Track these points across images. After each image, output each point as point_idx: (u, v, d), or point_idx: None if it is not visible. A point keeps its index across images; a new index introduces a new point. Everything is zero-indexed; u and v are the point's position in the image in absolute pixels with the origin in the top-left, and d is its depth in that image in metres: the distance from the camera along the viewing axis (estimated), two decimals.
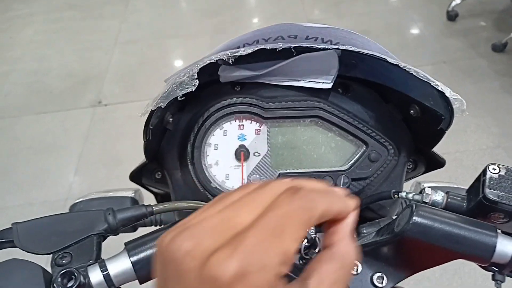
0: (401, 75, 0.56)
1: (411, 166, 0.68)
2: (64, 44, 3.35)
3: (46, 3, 3.92)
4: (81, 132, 2.51)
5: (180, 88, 0.49)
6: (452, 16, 3.03)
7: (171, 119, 0.60)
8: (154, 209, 0.49)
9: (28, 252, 0.44)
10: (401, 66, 0.53)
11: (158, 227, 0.78)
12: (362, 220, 0.68)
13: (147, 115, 0.51)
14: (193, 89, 0.49)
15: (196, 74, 0.50)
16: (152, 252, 0.43)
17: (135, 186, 0.72)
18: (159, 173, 0.66)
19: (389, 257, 0.52)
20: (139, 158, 0.64)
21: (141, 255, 0.43)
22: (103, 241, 0.47)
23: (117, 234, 0.48)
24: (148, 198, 0.78)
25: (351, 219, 0.31)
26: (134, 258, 0.43)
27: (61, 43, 3.36)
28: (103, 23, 3.56)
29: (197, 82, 0.50)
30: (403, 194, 0.55)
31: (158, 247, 0.25)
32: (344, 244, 0.29)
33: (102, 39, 3.33)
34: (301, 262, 0.55)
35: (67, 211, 0.48)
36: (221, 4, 3.55)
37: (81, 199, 0.74)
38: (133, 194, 0.73)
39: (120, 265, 0.43)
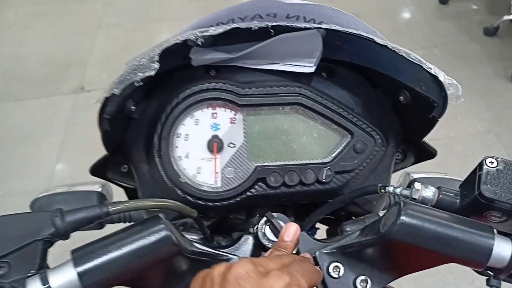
0: (390, 58, 0.51)
1: (399, 156, 0.63)
2: (45, 27, 3.24)
3: None
4: (62, 119, 2.43)
5: (137, 72, 0.43)
6: None
7: (133, 107, 0.53)
8: (110, 209, 0.43)
9: None
10: (390, 47, 0.47)
11: (127, 223, 0.72)
12: (346, 215, 0.64)
13: (101, 104, 0.45)
14: (152, 73, 0.43)
15: (157, 56, 0.44)
16: (102, 262, 0.38)
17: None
18: (125, 166, 0.60)
19: (374, 259, 0.47)
20: None
21: (89, 265, 0.37)
22: (50, 247, 0.42)
23: (67, 238, 0.42)
24: (118, 193, 0.73)
25: None
26: (80, 269, 0.37)
27: (42, 27, 3.25)
28: (86, 6, 3.44)
29: (157, 66, 0.43)
30: (391, 189, 0.50)
31: None
32: None
33: (85, 22, 3.22)
34: None
35: (9, 214, 0.42)
36: None
37: (43, 194, 0.68)
38: (101, 189, 0.68)
39: (64, 277, 0.37)
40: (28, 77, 2.79)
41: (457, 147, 2.03)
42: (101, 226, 0.63)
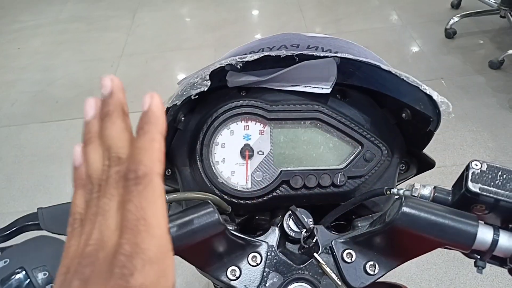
0: (393, 82, 0.62)
1: (403, 167, 0.73)
2: (70, 55, 3.43)
3: (53, 15, 4.01)
4: None
5: (193, 88, 0.54)
6: (450, 34, 3.12)
7: (183, 118, 0.65)
8: (166, 198, 0.54)
9: (52, 233, 0.49)
10: (393, 72, 0.58)
11: None
12: (357, 216, 0.73)
13: None
14: (205, 89, 0.55)
15: (208, 76, 0.55)
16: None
17: None
18: (169, 170, 0.71)
19: (381, 246, 0.57)
20: None
21: None
22: None
23: None
24: None
25: None
26: None
27: (67, 54, 3.44)
28: (108, 35, 3.65)
29: (209, 83, 0.55)
30: (395, 190, 0.60)
31: None
32: None
33: (107, 50, 3.41)
34: (300, 251, 0.60)
35: None
36: (223, 19, 3.65)
37: None
38: None
39: None
40: (53, 101, 2.94)
41: None
42: None
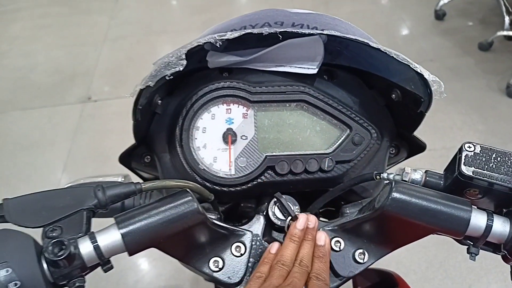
0: (383, 61, 0.59)
1: (393, 151, 0.70)
2: (52, 40, 3.33)
3: None
4: (69, 128, 2.50)
5: (168, 67, 0.50)
6: (440, 15, 3.09)
7: (159, 101, 0.61)
8: (143, 186, 0.50)
9: (19, 226, 0.45)
10: (382, 50, 0.55)
11: None
12: (346, 202, 0.71)
13: (136, 95, 0.52)
14: (181, 69, 0.51)
15: (184, 55, 0.51)
16: (141, 225, 0.44)
17: (124, 171, 0.73)
18: (148, 157, 0.67)
19: (371, 233, 0.54)
20: None
21: (131, 227, 0.44)
22: (93, 216, 0.48)
23: (107, 210, 0.49)
24: None
25: None
26: (123, 230, 0.44)
27: (49, 39, 3.34)
28: (91, 18, 3.55)
29: (184, 62, 0.51)
30: (384, 175, 0.57)
31: None
32: None
33: (90, 34, 3.32)
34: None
35: (58, 188, 0.49)
36: (210, 1, 3.57)
37: (70, 184, 0.75)
38: (123, 179, 0.74)
39: (109, 237, 0.44)
40: (35, 87, 2.85)
41: None
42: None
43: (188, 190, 0.49)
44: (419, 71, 0.53)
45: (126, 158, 0.66)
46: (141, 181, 0.79)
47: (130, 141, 0.65)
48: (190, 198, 0.47)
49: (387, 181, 0.57)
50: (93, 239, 0.43)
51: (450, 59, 2.78)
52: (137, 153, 0.67)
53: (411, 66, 0.54)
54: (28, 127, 2.56)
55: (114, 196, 0.49)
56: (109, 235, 0.44)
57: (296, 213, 0.56)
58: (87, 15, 3.60)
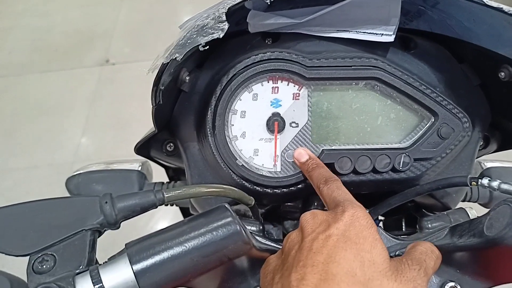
0: (492, 25, 0.42)
1: (482, 143, 0.55)
2: None
3: None
4: (87, 92, 2.39)
5: (202, 33, 0.36)
6: None
7: (187, 78, 0.46)
8: (165, 195, 0.37)
9: None
10: (494, 6, 0.39)
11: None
12: (415, 206, 0.57)
13: (157, 71, 0.38)
14: (221, 35, 0.36)
15: (224, 16, 0.36)
16: (162, 259, 0.31)
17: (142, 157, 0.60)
18: (171, 144, 0.54)
19: (467, 263, 0.40)
20: (149, 122, 0.51)
21: (147, 262, 0.31)
22: (99, 237, 0.36)
23: (117, 228, 0.37)
24: (158, 172, 0.67)
25: None
26: (137, 267, 0.31)
27: None
28: None
29: (226, 26, 0.36)
30: (485, 181, 0.42)
31: None
32: None
33: None
34: None
35: (52, 197, 0.36)
36: None
37: (79, 172, 0.63)
38: (140, 167, 0.62)
39: (119, 275, 0.31)
40: (51, 49, 2.74)
41: None
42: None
43: (226, 206, 0.35)
44: None
45: (143, 148, 0.53)
46: (161, 169, 0.67)
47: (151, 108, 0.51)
48: (230, 219, 0.34)
49: (487, 188, 0.43)
50: (96, 278, 0.30)
51: None
52: (157, 139, 0.53)
53: None
54: (45, 91, 2.47)
55: (127, 210, 0.36)
56: (118, 273, 0.31)
57: None
58: None
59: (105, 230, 0.36)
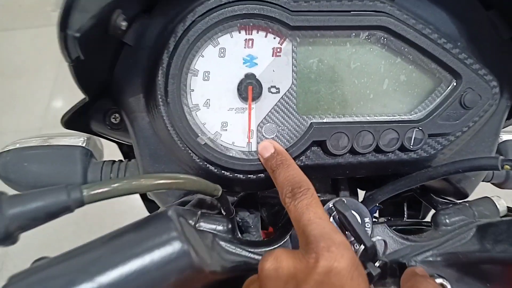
0: None
1: (508, 113, 0.44)
2: None
3: None
4: (55, 52, 2.19)
5: None
6: None
7: (124, 23, 0.33)
8: (85, 194, 0.25)
9: None
10: None
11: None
12: (422, 189, 0.46)
13: (63, 8, 0.25)
14: None
15: None
16: None
17: None
18: (116, 115, 0.42)
19: (499, 277, 0.30)
20: None
21: None
22: None
23: (13, 243, 0.25)
24: (110, 149, 0.55)
25: None
26: None
27: None
28: None
29: None
30: None
31: None
32: None
33: None
34: None
35: None
36: None
37: (9, 148, 0.50)
38: (85, 143, 0.49)
39: None
40: (15, 5, 2.53)
41: None
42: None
43: (170, 213, 0.24)
44: None
45: (77, 121, 0.40)
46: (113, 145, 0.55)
47: None
48: (174, 234, 0.23)
49: None
50: None
51: None
52: (97, 108, 0.41)
53: None
54: (9, 51, 2.29)
55: (26, 217, 0.24)
56: None
57: (372, 240, 0.31)
58: None
59: None
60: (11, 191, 0.45)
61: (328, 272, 0.24)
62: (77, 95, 0.42)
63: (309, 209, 0.29)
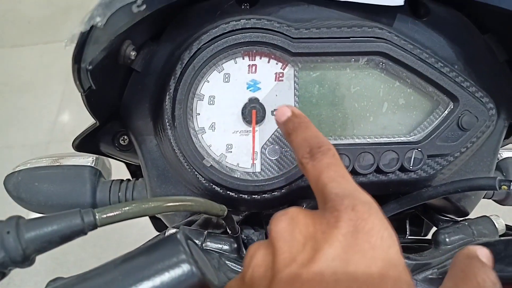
0: None
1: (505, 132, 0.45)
2: None
3: None
4: (63, 67, 2.24)
5: None
6: None
7: (133, 53, 0.35)
8: (98, 218, 0.27)
9: None
10: None
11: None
12: (423, 208, 0.47)
13: (76, 43, 0.27)
14: None
15: None
16: None
17: None
18: (125, 137, 0.43)
19: None
20: None
21: None
22: (2, 278, 0.26)
23: (30, 265, 0.27)
24: (118, 168, 0.56)
25: None
26: None
27: None
28: None
29: None
30: None
31: None
32: None
33: None
34: None
35: None
36: None
37: (20, 168, 0.52)
38: (93, 162, 0.51)
39: None
40: (24, 21, 2.57)
41: None
42: None
43: (178, 237, 0.25)
44: None
45: (87, 143, 0.42)
46: (118, 166, 0.56)
47: None
48: (183, 257, 0.24)
49: None
50: None
51: None
52: (106, 131, 0.43)
53: None
54: (18, 67, 2.32)
55: (41, 240, 0.26)
56: None
57: None
58: None
59: (10, 270, 0.26)
60: (22, 210, 0.47)
61: (355, 232, 0.21)
62: (83, 110, 0.44)
63: (330, 167, 0.26)
